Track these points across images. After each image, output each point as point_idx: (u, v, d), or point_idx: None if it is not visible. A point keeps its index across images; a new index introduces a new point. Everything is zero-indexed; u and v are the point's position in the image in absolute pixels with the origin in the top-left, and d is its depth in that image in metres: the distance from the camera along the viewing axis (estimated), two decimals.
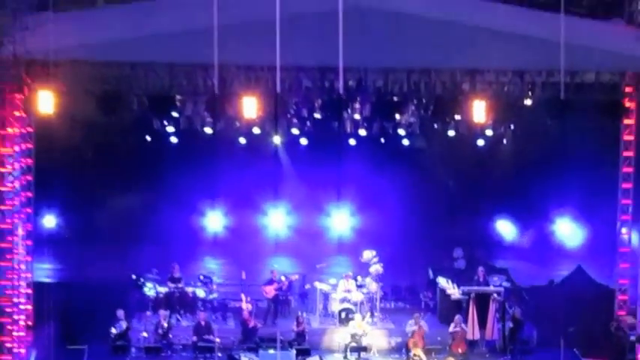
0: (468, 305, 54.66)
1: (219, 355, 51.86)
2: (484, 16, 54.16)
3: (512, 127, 59.07)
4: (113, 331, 52.96)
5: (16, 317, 49.61)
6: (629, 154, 55.93)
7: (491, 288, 56.43)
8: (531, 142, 61.38)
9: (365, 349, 52.52)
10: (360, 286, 57.52)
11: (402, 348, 53.16)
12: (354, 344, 52.84)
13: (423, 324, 53.71)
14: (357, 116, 57.11)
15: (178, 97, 54.33)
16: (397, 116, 55.56)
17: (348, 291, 56.47)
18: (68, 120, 52.75)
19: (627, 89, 53.04)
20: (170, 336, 53.18)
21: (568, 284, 60.19)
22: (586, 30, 56.55)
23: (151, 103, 53.45)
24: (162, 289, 56.15)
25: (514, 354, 54.16)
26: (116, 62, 50.41)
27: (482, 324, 54.26)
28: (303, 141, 59.48)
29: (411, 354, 52.93)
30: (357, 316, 54.27)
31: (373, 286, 56.75)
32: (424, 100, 54.44)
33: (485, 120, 53.95)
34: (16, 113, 48.31)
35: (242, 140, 58.54)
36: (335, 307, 56.46)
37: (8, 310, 48.37)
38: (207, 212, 63.49)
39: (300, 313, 54.97)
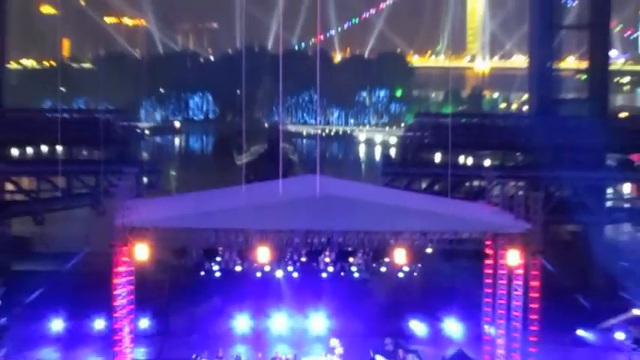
0: None
1: None
2: (402, 199, 65.52)
3: (419, 265, 64.08)
4: None
5: None
6: (489, 280, 60.24)
7: (410, 359, 60.95)
8: (432, 275, 69.31)
9: None
10: None
11: None
12: None
13: None
14: (327, 259, 62.93)
15: (220, 249, 61.43)
16: (351, 259, 62.27)
17: None
18: (154, 262, 57.57)
19: (487, 242, 58.14)
20: None
21: (454, 357, 63.98)
22: (464, 208, 67.27)
23: (204, 253, 61.02)
24: None
25: None
26: (182, 228, 55.80)
27: None
28: (295, 274, 63.92)
29: None
30: None
31: None
32: (367, 250, 60.44)
33: (404, 261, 60.97)
34: (124, 259, 53.73)
35: (258, 274, 63.33)
36: None
37: None
38: (236, 316, 67.61)
39: None
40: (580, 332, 69.44)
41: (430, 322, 70.54)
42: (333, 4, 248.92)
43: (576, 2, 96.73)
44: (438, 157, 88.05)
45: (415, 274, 65.65)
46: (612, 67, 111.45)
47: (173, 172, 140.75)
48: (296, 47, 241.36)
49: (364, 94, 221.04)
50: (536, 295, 53.38)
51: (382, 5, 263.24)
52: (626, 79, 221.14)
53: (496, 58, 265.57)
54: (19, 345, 64.49)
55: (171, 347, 66.09)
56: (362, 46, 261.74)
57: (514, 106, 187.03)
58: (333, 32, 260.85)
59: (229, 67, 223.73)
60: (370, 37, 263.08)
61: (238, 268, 62.72)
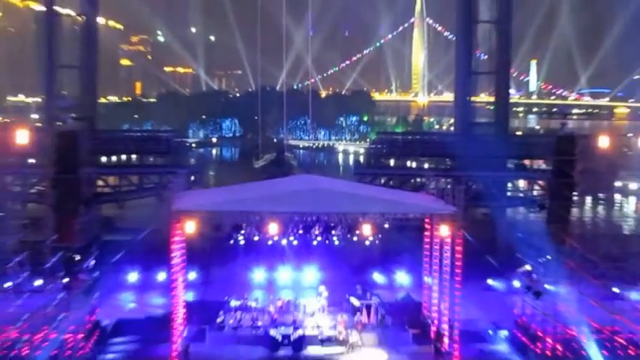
0: (362, 308, 60.64)
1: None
2: (367, 191, 65.03)
3: (380, 236, 63.65)
4: (220, 319, 59.26)
5: (176, 316, 55.37)
6: (427, 246, 60.85)
7: (372, 302, 62.14)
8: (388, 243, 67.66)
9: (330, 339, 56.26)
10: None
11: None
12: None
13: (345, 318, 59.05)
14: (316, 232, 62.16)
15: (244, 225, 61.78)
16: (333, 232, 62.33)
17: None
18: (199, 234, 57.47)
19: (426, 220, 59.70)
20: (240, 322, 59.14)
21: (404, 300, 66.81)
22: (410, 196, 66.74)
23: (233, 227, 62.03)
24: (237, 303, 61.37)
25: (382, 327, 59.18)
26: (217, 211, 56.53)
27: (368, 315, 60.24)
28: (295, 242, 63.55)
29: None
30: (318, 314, 60.64)
31: (323, 302, 62.00)
32: (344, 225, 61.31)
33: (370, 233, 60.74)
34: (178, 232, 53.63)
35: (269, 242, 62.89)
36: (309, 309, 61.47)
37: (174, 315, 53.28)
38: (255, 270, 68.91)
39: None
40: (489, 281, 70.63)
41: (387, 274, 71.38)
42: (320, 59, 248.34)
43: (486, 56, 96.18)
44: (392, 162, 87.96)
45: (377, 242, 65.34)
46: (511, 101, 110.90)
47: (211, 173, 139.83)
48: (295, 87, 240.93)
49: (341, 118, 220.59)
50: (459, 256, 53.12)
51: (354, 59, 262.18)
52: (520, 109, 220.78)
53: (432, 94, 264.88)
54: (107, 290, 64.15)
55: (210, 292, 66.40)
56: (340, 87, 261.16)
57: (444, 127, 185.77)
58: (320, 77, 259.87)
59: (249, 101, 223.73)
60: (346, 80, 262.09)
61: (256, 238, 63.72)
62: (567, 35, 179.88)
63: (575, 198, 58.32)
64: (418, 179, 77.50)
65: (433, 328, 58.26)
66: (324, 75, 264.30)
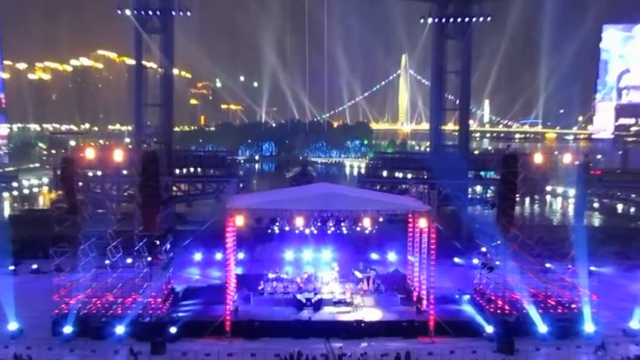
0: (363, 279, 60.14)
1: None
2: (367, 194, 63.87)
3: (376, 227, 62.66)
4: (261, 287, 58.26)
5: (229, 285, 55.41)
6: (411, 234, 60.40)
7: (371, 274, 60.81)
8: (382, 232, 66.39)
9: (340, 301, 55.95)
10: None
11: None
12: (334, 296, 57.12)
13: (351, 286, 58.93)
14: (330, 224, 62.56)
15: (278, 219, 61.35)
16: (342, 224, 62.20)
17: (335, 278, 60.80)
18: (246, 226, 55.82)
19: (410, 215, 58.46)
20: (275, 289, 58.31)
21: (393, 273, 65.98)
22: (398, 198, 65.70)
23: (270, 221, 62.19)
24: (273, 275, 59.50)
25: (378, 293, 58.73)
26: (259, 209, 55.74)
27: (367, 284, 59.69)
28: (315, 231, 63.45)
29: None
30: (332, 283, 60.02)
31: (335, 274, 60.90)
32: (350, 219, 60.31)
33: (369, 225, 60.58)
34: (230, 224, 52.10)
35: (297, 231, 61.81)
36: (325, 279, 60.57)
37: (227, 284, 52.42)
38: (286, 251, 66.48)
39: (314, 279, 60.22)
40: (455, 259, 70.68)
41: (381, 254, 70.71)
42: (333, 97, 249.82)
43: (452, 97, 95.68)
44: (384, 173, 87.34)
45: (374, 231, 64.54)
46: (470, 129, 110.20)
47: (254, 181, 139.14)
48: (315, 119, 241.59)
49: (348, 142, 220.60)
50: (433, 241, 52.65)
51: (357, 99, 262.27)
52: (477, 135, 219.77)
53: (413, 124, 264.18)
54: (179, 266, 64.70)
55: (254, 267, 65.78)
56: (350, 118, 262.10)
57: (422, 148, 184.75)
58: (332, 112, 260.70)
59: (282, 129, 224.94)
60: (351, 114, 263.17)
61: (287, 228, 63.08)
62: (513, 82, 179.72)
63: (517, 199, 57.79)
64: (403, 186, 76.75)
65: (415, 294, 57.97)
66: (338, 110, 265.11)
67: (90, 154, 59.20)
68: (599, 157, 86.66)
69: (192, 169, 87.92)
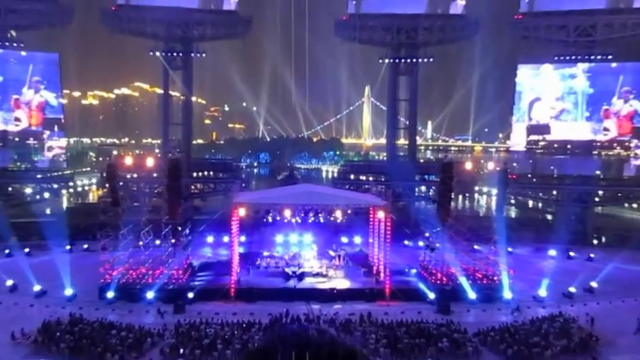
0: (336, 257, 58.81)
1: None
2: (339, 192, 63.48)
3: (345, 217, 63.93)
4: (258, 262, 57.65)
5: (234, 260, 53.52)
6: (372, 223, 59.01)
7: (341, 253, 59.76)
8: (350, 221, 66.92)
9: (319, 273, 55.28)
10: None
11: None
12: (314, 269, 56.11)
13: (326, 262, 57.92)
14: (311, 214, 62.53)
15: (271, 210, 60.97)
16: (320, 215, 62.78)
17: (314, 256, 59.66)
18: (247, 216, 56.01)
19: (371, 208, 57.82)
20: (269, 264, 57.59)
21: (358, 252, 64.56)
22: (362, 196, 63.26)
23: (265, 212, 61.80)
24: (267, 253, 58.72)
25: (346, 267, 57.55)
26: (257, 202, 56.08)
27: (339, 261, 58.23)
28: (299, 221, 61.81)
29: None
30: (312, 260, 58.68)
31: (314, 253, 59.46)
32: (326, 211, 60.80)
33: (340, 216, 62.20)
34: (235, 214, 51.66)
35: (285, 220, 60.38)
36: (307, 257, 59.01)
37: (232, 260, 51.83)
38: (277, 235, 61.82)
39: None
40: (405, 242, 69.28)
41: (349, 238, 68.47)
42: (312, 118, 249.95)
43: (403, 118, 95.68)
44: (352, 176, 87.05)
45: (344, 220, 64.71)
46: (417, 143, 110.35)
47: (253, 182, 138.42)
48: (299, 135, 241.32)
49: (325, 152, 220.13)
50: (388, 228, 52.60)
51: (331, 120, 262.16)
52: (422, 147, 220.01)
53: (374, 139, 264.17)
54: (196, 246, 63.86)
55: (253, 247, 63.96)
56: (325, 134, 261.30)
57: (381, 157, 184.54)
58: (313, 129, 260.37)
59: (275, 143, 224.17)
60: (328, 131, 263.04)
61: (278, 218, 62.57)
62: (449, 107, 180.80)
63: (452, 196, 58.09)
64: (366, 186, 76.54)
65: (375, 268, 57.27)
66: (315, 129, 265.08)
67: (128, 161, 61.47)
68: (514, 164, 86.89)
69: (206, 173, 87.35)
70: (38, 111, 76.93)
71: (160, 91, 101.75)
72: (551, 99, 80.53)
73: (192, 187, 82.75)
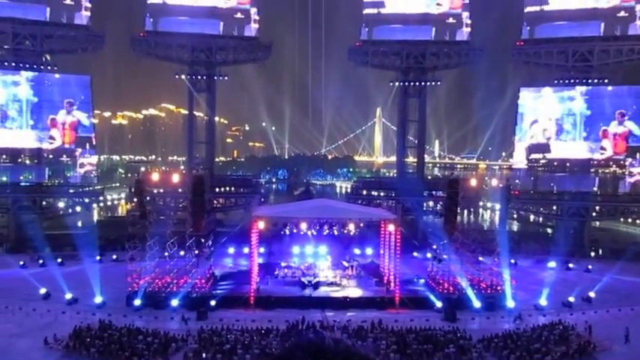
0: (349, 267, 58.42)
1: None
2: (353, 207, 63.57)
3: (358, 230, 61.56)
4: (276, 272, 57.22)
5: (253, 270, 53.56)
6: (382, 236, 59.26)
7: (354, 264, 59.47)
8: (363, 234, 65.31)
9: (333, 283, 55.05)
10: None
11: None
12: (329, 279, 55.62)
13: (339, 272, 57.97)
14: (326, 227, 61.15)
15: (288, 224, 60.00)
16: (334, 228, 61.18)
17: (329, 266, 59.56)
18: (266, 229, 55.75)
19: (382, 222, 58.34)
20: (286, 274, 57.24)
21: (370, 263, 64.17)
22: (374, 210, 63.91)
23: (283, 225, 60.53)
24: (284, 264, 58.65)
25: (359, 277, 56.84)
26: (276, 216, 56.29)
27: (352, 271, 57.77)
28: (315, 233, 60.89)
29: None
30: (327, 270, 58.44)
31: (329, 264, 59.77)
32: (340, 224, 59.42)
33: (353, 229, 61.06)
34: (255, 227, 51.86)
35: (302, 233, 60.32)
36: (321, 267, 58.94)
37: (252, 270, 51.87)
38: (294, 246, 62.66)
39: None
40: (414, 254, 68.85)
41: (361, 250, 68.20)
42: (328, 137, 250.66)
43: (412, 138, 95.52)
44: (364, 192, 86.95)
45: (357, 233, 63.90)
46: (425, 161, 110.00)
47: (272, 197, 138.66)
48: (315, 153, 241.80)
49: (339, 169, 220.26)
50: (398, 241, 52.35)
51: (345, 139, 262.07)
52: (430, 165, 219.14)
53: (385, 157, 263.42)
54: (218, 257, 64.04)
55: (272, 258, 63.97)
56: (339, 153, 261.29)
57: (391, 174, 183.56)
58: (329, 147, 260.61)
59: (292, 160, 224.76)
60: (342, 149, 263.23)
61: (295, 231, 61.99)
62: (456, 127, 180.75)
63: (458, 211, 57.95)
64: (377, 201, 76.38)
65: (385, 278, 57.14)
66: (330, 147, 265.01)
67: (155, 177, 61.97)
68: (517, 181, 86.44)
69: (227, 188, 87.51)
70: (71, 130, 77.65)
71: (185, 111, 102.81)
72: (545, 120, 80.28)
73: (215, 201, 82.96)
